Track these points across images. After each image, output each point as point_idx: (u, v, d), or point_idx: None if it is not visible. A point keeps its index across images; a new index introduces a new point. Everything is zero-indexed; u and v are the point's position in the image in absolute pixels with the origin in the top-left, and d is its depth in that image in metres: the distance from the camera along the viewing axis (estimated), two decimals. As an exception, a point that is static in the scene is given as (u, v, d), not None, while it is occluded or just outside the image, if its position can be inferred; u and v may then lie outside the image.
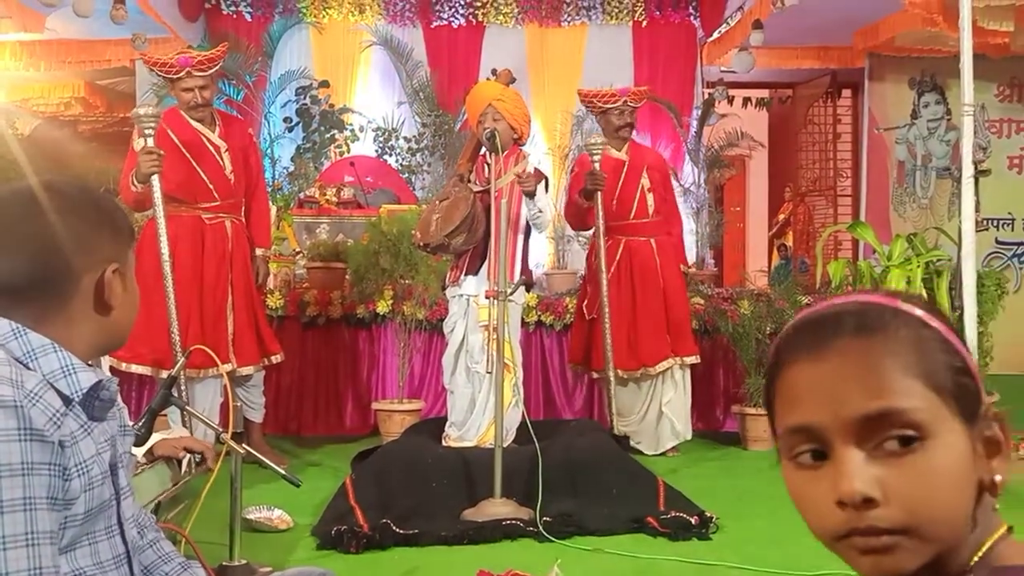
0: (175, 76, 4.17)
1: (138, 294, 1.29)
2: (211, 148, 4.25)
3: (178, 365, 2.63)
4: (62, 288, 1.18)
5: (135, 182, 3.88)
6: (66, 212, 1.18)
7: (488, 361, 3.71)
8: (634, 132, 5.00)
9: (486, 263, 3.94)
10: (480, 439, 3.94)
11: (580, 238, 6.35)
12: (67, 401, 1.14)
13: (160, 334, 3.87)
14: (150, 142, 3.79)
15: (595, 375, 5.01)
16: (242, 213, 4.40)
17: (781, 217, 9.14)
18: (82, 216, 1.20)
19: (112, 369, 3.84)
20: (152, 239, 3.87)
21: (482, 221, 3.90)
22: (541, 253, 6.83)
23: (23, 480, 1.05)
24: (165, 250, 3.82)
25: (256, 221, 4.44)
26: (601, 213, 4.47)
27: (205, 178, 4.21)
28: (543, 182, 4.03)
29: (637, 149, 4.99)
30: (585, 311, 4.86)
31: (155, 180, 3.78)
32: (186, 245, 4.13)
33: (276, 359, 4.49)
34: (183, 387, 3.77)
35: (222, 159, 4.27)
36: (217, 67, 4.31)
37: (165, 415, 3.45)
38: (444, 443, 3.99)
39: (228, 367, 4.12)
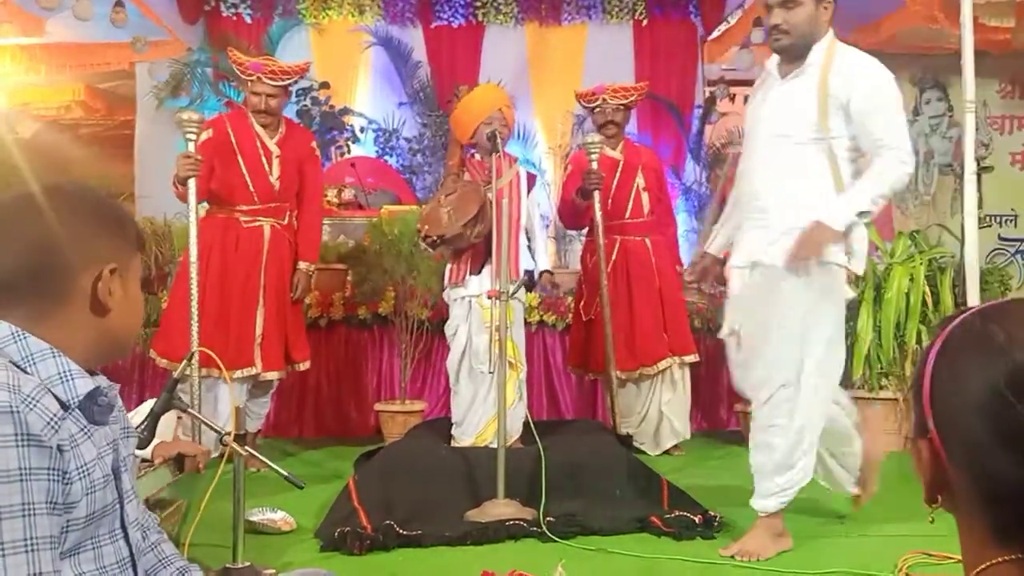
0: (247, 78, 4.25)
1: (141, 302, 1.29)
2: (261, 152, 4.28)
3: (180, 367, 2.63)
4: (58, 285, 1.18)
5: (176, 183, 3.95)
6: (66, 211, 1.19)
7: (491, 361, 3.71)
8: (623, 130, 4.92)
9: (489, 262, 3.93)
10: (478, 436, 3.94)
11: (582, 237, 6.34)
12: (64, 406, 1.14)
13: (200, 332, 3.89)
14: (191, 147, 3.84)
15: (592, 376, 5.00)
16: (287, 219, 4.37)
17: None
18: (82, 216, 1.20)
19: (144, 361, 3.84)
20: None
21: (489, 215, 3.88)
22: (542, 253, 6.82)
23: (21, 486, 1.04)
24: (194, 251, 3.88)
25: (303, 233, 4.42)
26: (600, 212, 4.45)
27: (248, 179, 4.24)
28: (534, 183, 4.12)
29: (632, 148, 4.97)
30: (583, 312, 4.84)
31: (191, 184, 3.83)
32: (219, 246, 4.20)
33: (302, 367, 4.49)
34: (195, 388, 3.77)
35: (270, 164, 4.29)
36: (292, 80, 4.35)
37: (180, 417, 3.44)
38: (453, 443, 3.99)
39: (252, 370, 4.20)
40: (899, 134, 2.90)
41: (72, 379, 1.15)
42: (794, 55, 2.98)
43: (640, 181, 4.84)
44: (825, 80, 2.89)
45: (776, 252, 2.91)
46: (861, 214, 2.88)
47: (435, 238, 3.92)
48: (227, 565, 2.46)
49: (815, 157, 2.91)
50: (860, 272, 3.01)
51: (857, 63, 2.95)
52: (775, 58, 3.06)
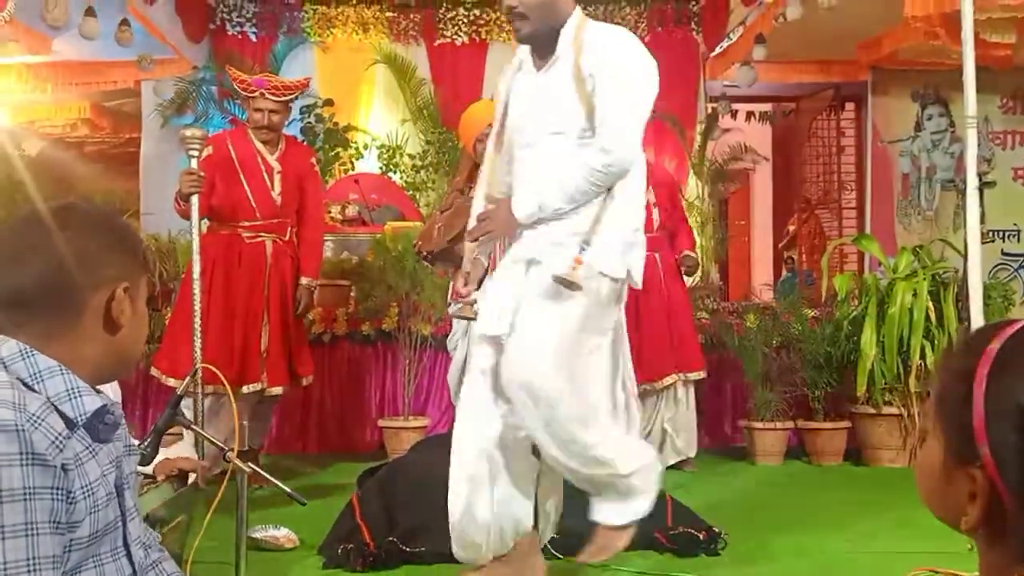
0: (249, 95, 4.29)
1: (147, 320, 1.30)
2: (263, 168, 4.31)
3: (184, 384, 2.63)
4: (72, 303, 1.19)
5: (178, 200, 3.96)
6: (81, 229, 1.21)
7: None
8: None
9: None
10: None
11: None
12: (71, 424, 1.14)
13: (204, 349, 3.89)
14: (193, 163, 3.86)
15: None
16: (288, 235, 4.40)
17: (791, 228, 9.13)
18: (97, 234, 1.22)
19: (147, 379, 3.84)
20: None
21: None
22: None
23: (25, 505, 1.04)
24: (196, 268, 3.86)
25: (304, 249, 4.44)
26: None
27: (250, 196, 4.27)
28: None
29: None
30: (589, 325, 4.82)
31: (194, 200, 3.84)
32: (222, 263, 4.22)
33: (305, 381, 4.49)
34: (199, 405, 3.77)
35: (271, 180, 4.32)
36: (293, 96, 4.41)
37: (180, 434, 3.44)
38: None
39: (258, 386, 4.21)
40: (619, 117, 2.54)
41: (80, 396, 1.16)
42: (543, 42, 2.61)
43: (650, 197, 4.85)
44: (578, 65, 2.56)
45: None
46: (557, 211, 2.52)
47: (426, 253, 3.96)
48: (230, 582, 2.45)
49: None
50: (639, 286, 2.74)
51: (608, 40, 2.65)
52: (527, 47, 2.68)
